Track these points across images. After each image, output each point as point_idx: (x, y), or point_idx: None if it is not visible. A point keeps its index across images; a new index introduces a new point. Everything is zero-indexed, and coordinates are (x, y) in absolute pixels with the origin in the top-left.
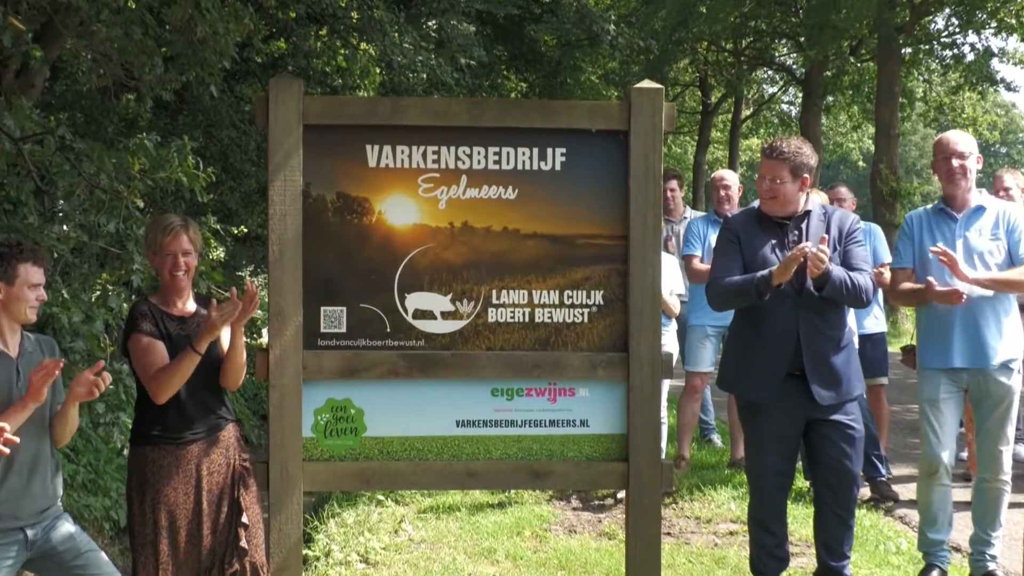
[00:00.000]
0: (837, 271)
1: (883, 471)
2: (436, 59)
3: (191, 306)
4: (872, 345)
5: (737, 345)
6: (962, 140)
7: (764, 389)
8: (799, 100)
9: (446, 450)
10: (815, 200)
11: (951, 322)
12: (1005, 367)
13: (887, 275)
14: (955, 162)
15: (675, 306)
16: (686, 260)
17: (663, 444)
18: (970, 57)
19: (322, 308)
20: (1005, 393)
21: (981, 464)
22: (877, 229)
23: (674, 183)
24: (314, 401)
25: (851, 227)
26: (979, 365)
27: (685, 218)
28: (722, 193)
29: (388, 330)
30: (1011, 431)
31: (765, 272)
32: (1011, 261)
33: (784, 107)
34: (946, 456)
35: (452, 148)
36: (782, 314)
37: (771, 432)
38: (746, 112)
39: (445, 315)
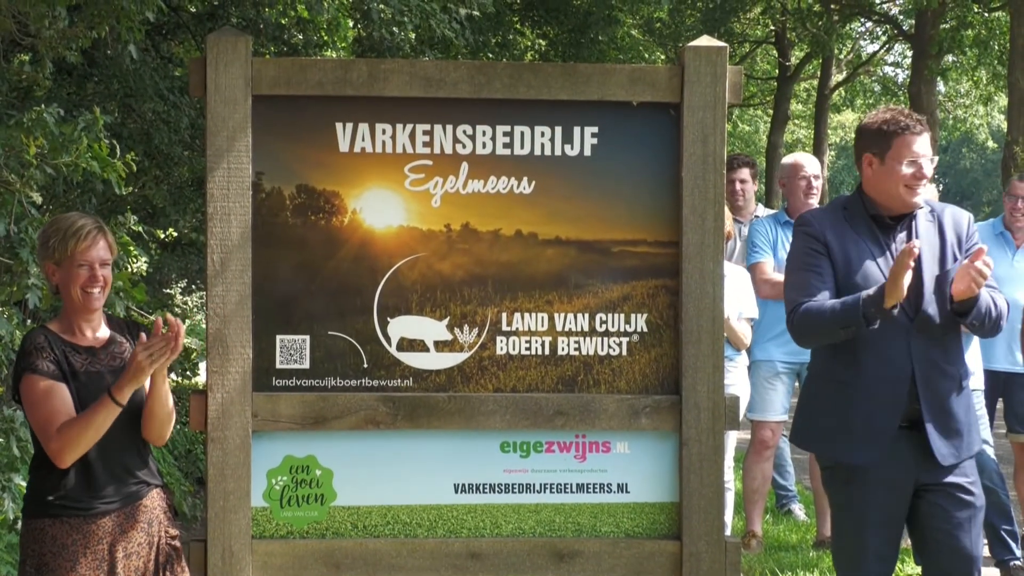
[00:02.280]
0: (982, 292)
1: (1018, 552)
2: (429, 6)
3: (103, 332)
4: (1020, 387)
5: (825, 389)
6: None
7: (868, 448)
8: (907, 62)
9: (441, 524)
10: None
11: None
12: None
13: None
14: None
15: (745, 335)
16: (751, 270)
17: (728, 517)
18: None
19: (278, 337)
20: None
21: None
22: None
23: (745, 172)
24: (267, 460)
25: (970, 229)
26: None
27: (757, 217)
28: (800, 185)
29: (365, 366)
30: None
31: (872, 291)
32: None
33: (888, 71)
34: None
35: (449, 127)
36: (891, 347)
37: (873, 504)
38: (837, 77)
39: (440, 346)
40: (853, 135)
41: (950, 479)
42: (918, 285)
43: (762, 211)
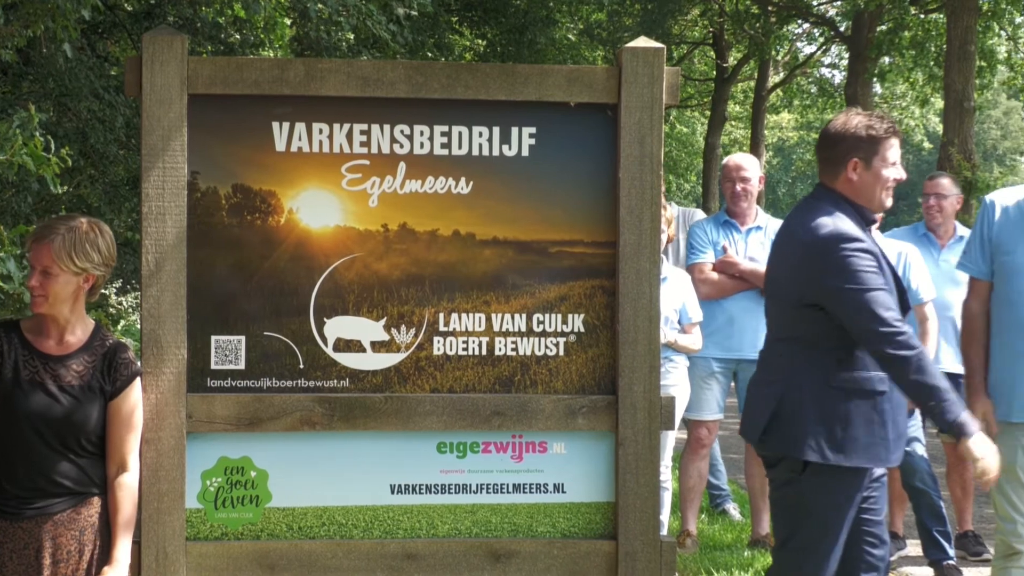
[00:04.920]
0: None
1: (951, 552)
2: (366, 7)
3: (76, 341)
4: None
5: (850, 399)
6: None
7: (898, 452)
8: (844, 63)
9: (377, 525)
10: None
11: None
12: None
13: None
14: None
15: (694, 343)
16: (690, 271)
17: (664, 516)
18: None
19: (213, 338)
20: None
21: None
22: (914, 254)
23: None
24: (202, 461)
25: None
26: None
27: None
28: (738, 187)
29: (301, 366)
30: None
31: (962, 419)
32: None
33: (825, 72)
34: None
35: (387, 127)
36: None
37: (856, 502)
38: (774, 79)
39: (377, 346)
40: (791, 136)
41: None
42: (899, 285)
43: (694, 215)
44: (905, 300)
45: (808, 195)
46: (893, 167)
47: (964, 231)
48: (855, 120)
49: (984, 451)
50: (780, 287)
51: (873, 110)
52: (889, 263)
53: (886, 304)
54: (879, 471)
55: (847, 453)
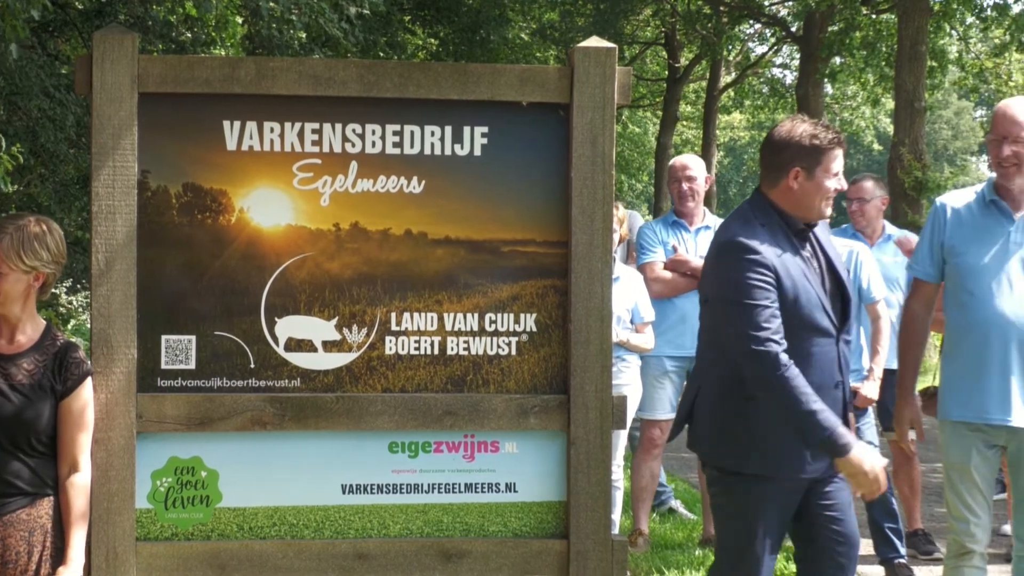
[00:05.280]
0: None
1: (902, 550)
2: (318, 5)
3: (27, 340)
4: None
5: (765, 406)
6: None
7: (820, 461)
8: (795, 63)
9: (328, 525)
10: None
11: (986, 362)
12: None
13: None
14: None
15: (646, 343)
16: (641, 271)
17: (616, 515)
18: (1017, 8)
19: (163, 337)
20: None
21: (1022, 541)
22: (865, 252)
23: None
24: (152, 461)
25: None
26: (1022, 424)
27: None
28: (684, 187)
29: (252, 366)
30: None
31: (836, 439)
32: None
33: (776, 72)
34: (980, 532)
35: (338, 126)
36: (827, 358)
37: (783, 506)
38: (726, 79)
39: (328, 346)
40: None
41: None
42: (843, 292)
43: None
44: (847, 306)
45: (745, 201)
46: (835, 178)
47: (892, 229)
48: (800, 128)
49: (867, 464)
50: (703, 288)
51: (819, 118)
52: (828, 261)
53: (762, 321)
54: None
55: (750, 459)
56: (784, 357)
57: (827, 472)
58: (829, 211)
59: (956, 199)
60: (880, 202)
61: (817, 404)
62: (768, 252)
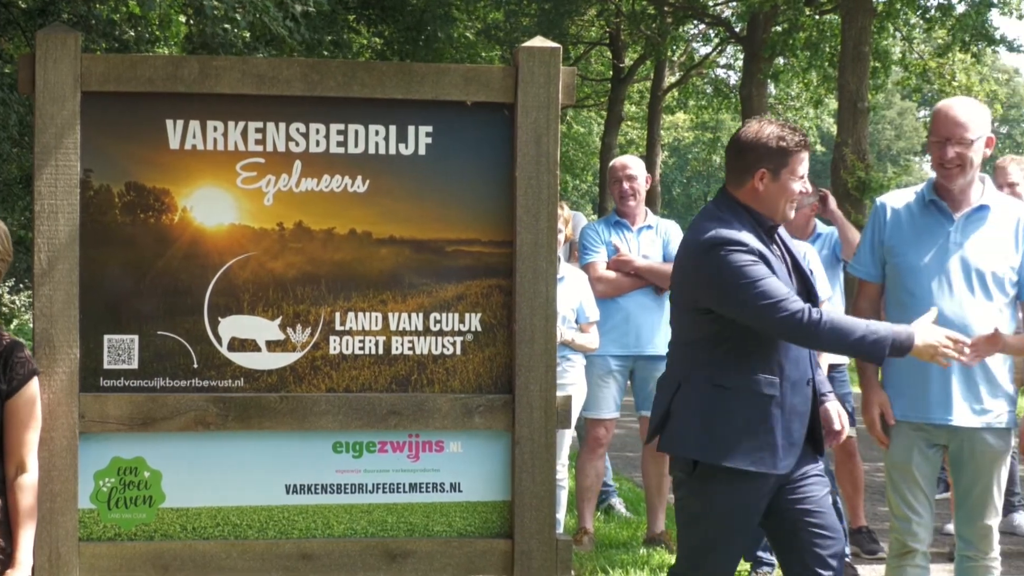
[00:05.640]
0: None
1: (845, 548)
2: (262, 4)
3: None
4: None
5: (739, 400)
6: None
7: (788, 457)
8: (739, 64)
9: (272, 525)
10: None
11: (927, 362)
12: (996, 422)
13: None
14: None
15: (591, 342)
16: (585, 271)
17: (561, 515)
18: (961, 8)
19: (106, 337)
20: (996, 455)
21: (964, 540)
22: (812, 253)
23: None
24: (95, 461)
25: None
26: (963, 423)
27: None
28: (625, 187)
29: (195, 366)
30: (1000, 500)
31: (902, 335)
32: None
33: (720, 73)
34: (922, 531)
35: (282, 125)
36: (800, 353)
37: (755, 505)
38: (670, 79)
39: (272, 346)
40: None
41: (811, 465)
42: (808, 290)
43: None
44: (815, 303)
45: (710, 202)
46: (800, 180)
47: (823, 228)
48: (767, 130)
49: (933, 338)
50: (677, 292)
51: (785, 120)
52: (793, 260)
53: (776, 290)
54: (813, 465)
55: (728, 454)
56: (807, 312)
57: (799, 469)
58: (793, 213)
59: (896, 199)
60: (810, 210)
61: (861, 327)
62: (752, 242)
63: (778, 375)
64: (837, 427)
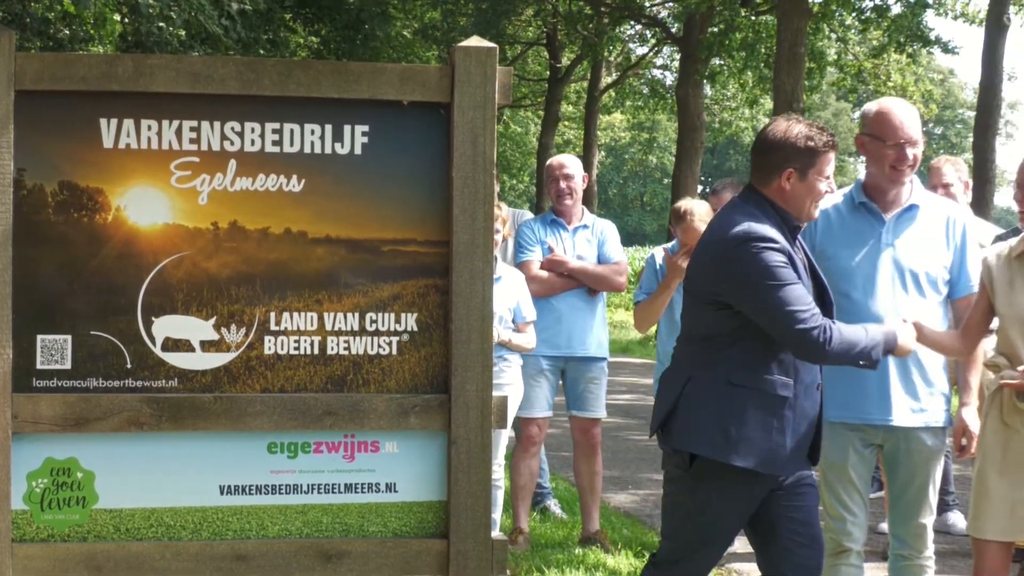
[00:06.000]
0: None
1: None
2: (198, 2)
3: None
4: None
5: (752, 399)
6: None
7: (798, 461)
8: (676, 64)
9: (206, 526)
10: None
11: None
12: (933, 421)
13: None
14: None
15: (527, 342)
16: (520, 270)
17: (496, 515)
18: (896, 9)
19: (39, 337)
20: (931, 454)
21: (898, 539)
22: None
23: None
24: (28, 462)
25: None
26: (902, 423)
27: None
28: (562, 186)
29: (129, 366)
30: (935, 499)
31: (888, 336)
32: None
33: (656, 73)
34: (857, 531)
35: (217, 124)
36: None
37: (750, 505)
38: (607, 79)
39: (206, 346)
40: (623, 136)
41: (805, 472)
42: (823, 293)
43: (527, 216)
44: (829, 308)
45: (736, 197)
46: (826, 180)
47: None
48: (796, 129)
49: (911, 336)
50: (694, 286)
51: (813, 120)
52: (810, 262)
53: (800, 299)
54: (806, 473)
55: (738, 452)
56: (824, 330)
57: (797, 475)
58: (817, 213)
59: (825, 202)
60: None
61: (861, 339)
62: (781, 241)
63: (792, 377)
64: None
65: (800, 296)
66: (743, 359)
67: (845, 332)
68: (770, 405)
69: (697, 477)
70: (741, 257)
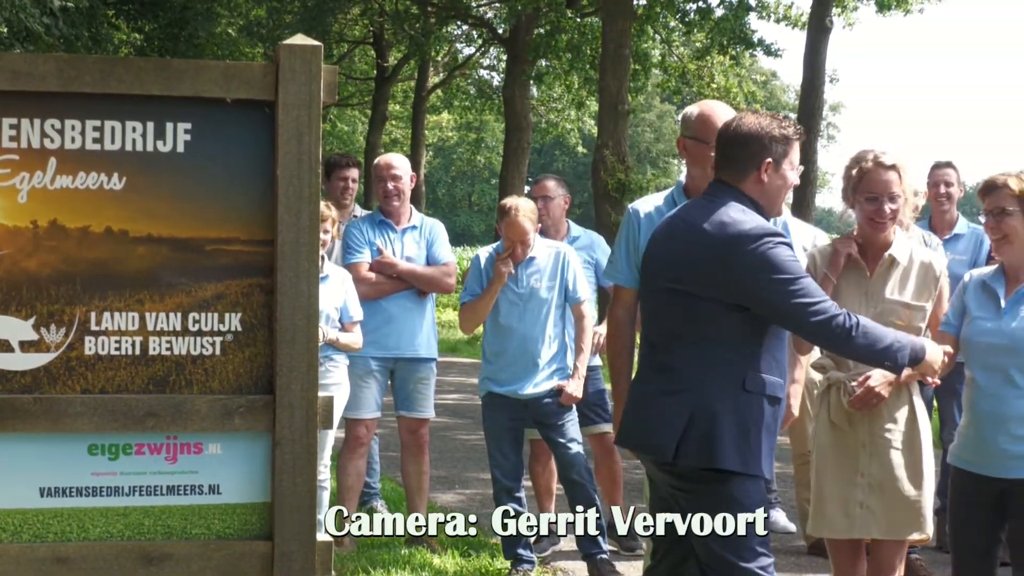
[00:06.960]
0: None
1: (604, 546)
2: (20, 1)
3: None
4: (590, 381)
5: (757, 402)
6: None
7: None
8: (503, 65)
9: (26, 528)
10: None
11: None
12: None
13: None
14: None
15: (354, 340)
16: (349, 272)
17: (323, 516)
18: (719, 12)
19: None
20: None
21: None
22: (599, 240)
23: (355, 172)
24: None
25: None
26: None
27: (355, 217)
28: (389, 186)
29: None
30: None
31: (917, 348)
32: None
33: (484, 74)
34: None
35: (37, 121)
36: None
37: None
38: (434, 79)
39: (25, 346)
40: (451, 136)
41: None
42: None
43: (359, 211)
44: None
45: (707, 192)
46: (796, 171)
47: (577, 230)
48: (766, 120)
49: (938, 354)
50: (688, 287)
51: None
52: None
53: (815, 291)
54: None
55: (760, 461)
56: (846, 317)
57: None
58: (784, 205)
59: (646, 204)
60: (563, 200)
61: (890, 336)
62: (786, 235)
63: (782, 377)
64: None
65: (814, 288)
66: (752, 362)
67: (871, 326)
68: (773, 408)
69: (717, 491)
70: (753, 254)
